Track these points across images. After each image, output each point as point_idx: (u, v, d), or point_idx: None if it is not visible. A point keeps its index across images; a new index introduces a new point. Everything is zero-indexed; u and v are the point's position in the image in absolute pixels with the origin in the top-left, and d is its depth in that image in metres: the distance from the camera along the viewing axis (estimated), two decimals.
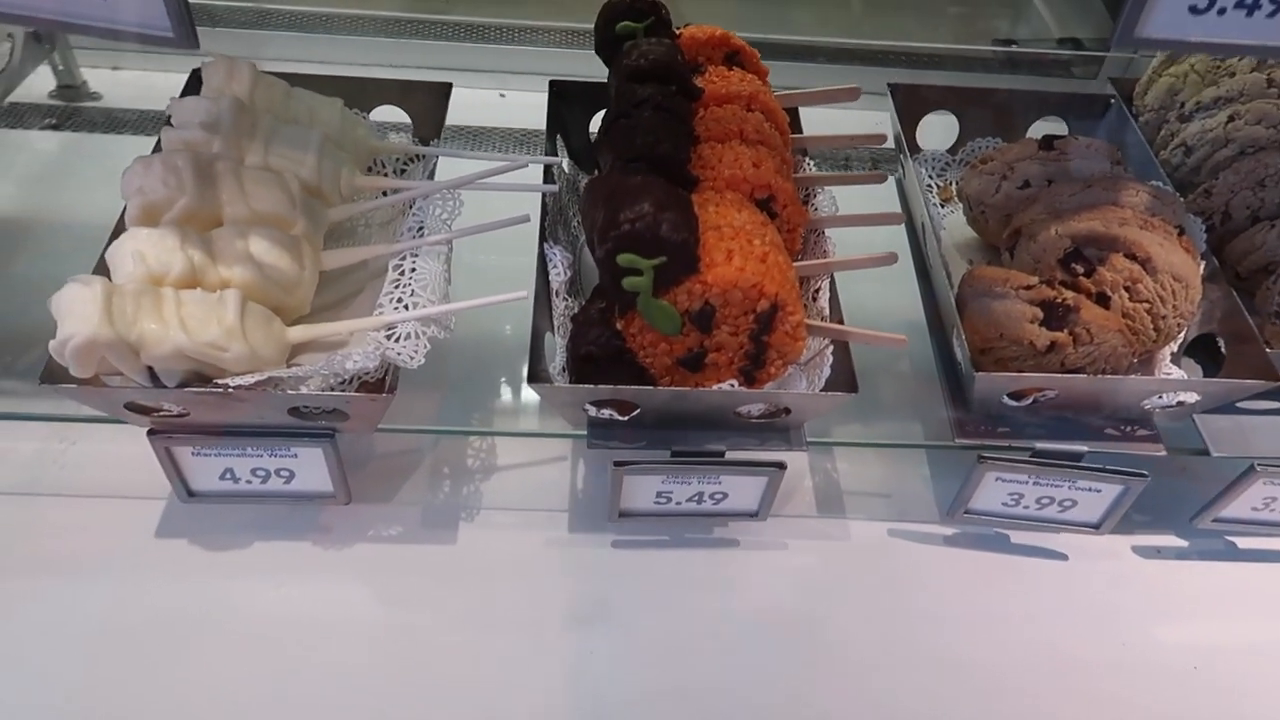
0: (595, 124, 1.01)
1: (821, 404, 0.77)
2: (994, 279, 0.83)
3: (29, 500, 0.88)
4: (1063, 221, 0.85)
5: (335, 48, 1.33)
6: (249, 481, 0.81)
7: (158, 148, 0.84)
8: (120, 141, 1.23)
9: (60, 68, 1.26)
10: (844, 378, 0.77)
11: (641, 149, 0.77)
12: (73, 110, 1.26)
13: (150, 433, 0.76)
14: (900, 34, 1.44)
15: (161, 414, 0.74)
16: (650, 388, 0.74)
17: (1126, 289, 0.81)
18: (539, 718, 0.77)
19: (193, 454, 0.78)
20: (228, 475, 0.81)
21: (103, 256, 0.75)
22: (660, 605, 0.86)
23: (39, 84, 1.26)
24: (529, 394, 0.96)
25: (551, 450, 0.96)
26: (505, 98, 1.35)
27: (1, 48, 1.01)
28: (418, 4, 1.43)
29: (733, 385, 0.75)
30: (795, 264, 0.79)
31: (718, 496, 0.84)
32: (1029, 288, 0.81)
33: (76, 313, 0.63)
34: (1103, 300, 0.82)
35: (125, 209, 0.81)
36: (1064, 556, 0.92)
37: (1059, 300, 0.79)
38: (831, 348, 0.78)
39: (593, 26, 0.92)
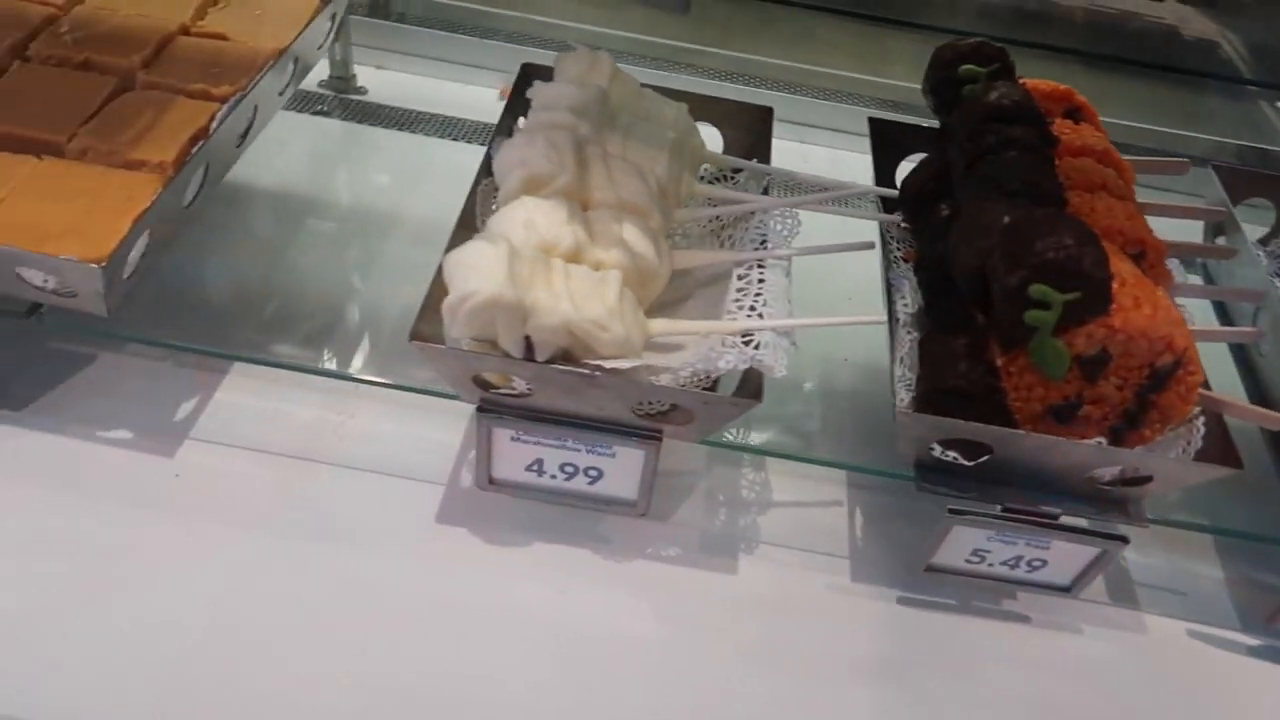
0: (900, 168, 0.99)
1: (1192, 474, 0.72)
2: None
3: (308, 465, 0.86)
4: None
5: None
6: (554, 476, 0.78)
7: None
8: (386, 135, 1.25)
9: (338, 59, 1.28)
10: (1218, 449, 0.71)
11: (1024, 185, 0.74)
12: (340, 100, 1.29)
13: (479, 409, 0.73)
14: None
15: (500, 391, 0.72)
16: (1023, 433, 0.69)
17: None
18: None
19: (510, 438, 0.75)
20: (535, 466, 0.78)
21: (461, 218, 0.74)
22: (951, 672, 0.80)
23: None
24: (821, 421, 0.93)
25: (828, 492, 0.92)
26: None
27: (323, 25, 1.03)
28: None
29: (1101, 442, 0.70)
30: None
31: (1036, 563, 0.79)
32: None
33: (482, 270, 0.62)
34: None
35: (475, 183, 0.81)
36: None
37: None
38: (1203, 416, 0.73)
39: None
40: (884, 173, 0.97)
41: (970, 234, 0.70)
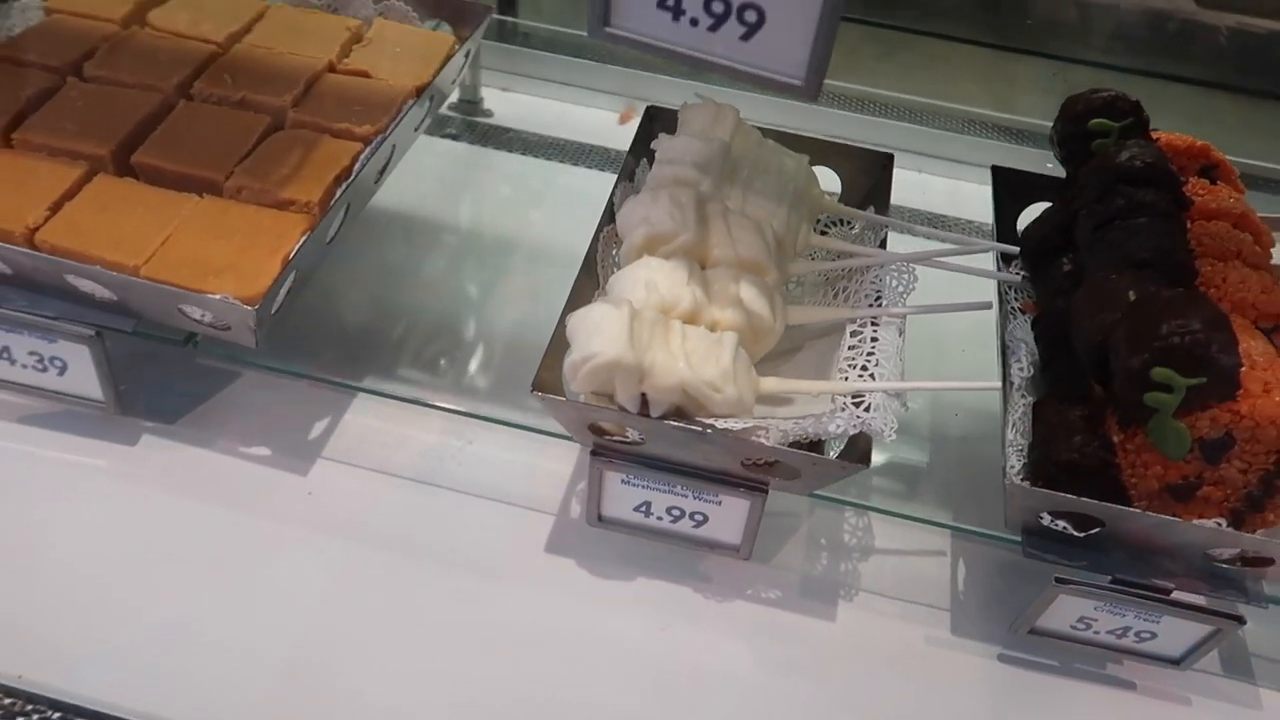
0: (1022, 217, 0.98)
1: None
2: None
3: (429, 489, 0.90)
4: None
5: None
6: (660, 518, 0.81)
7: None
8: (510, 159, 1.29)
9: (467, 84, 1.33)
10: None
11: (1154, 256, 0.72)
12: (468, 124, 1.34)
13: (593, 453, 0.76)
14: None
15: (614, 438, 0.75)
16: (1137, 511, 0.69)
17: None
18: None
19: (621, 481, 0.78)
20: (643, 508, 0.80)
21: (578, 275, 0.77)
22: None
23: None
24: (929, 473, 0.93)
25: (931, 542, 0.92)
26: None
27: (458, 61, 1.07)
28: None
29: (1220, 524, 0.69)
30: None
31: (1145, 635, 0.78)
32: None
33: (606, 332, 0.64)
34: None
35: (597, 230, 0.84)
36: None
37: None
38: None
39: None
40: (1005, 220, 0.96)
41: (1094, 306, 0.70)
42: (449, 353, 1.01)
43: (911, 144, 1.31)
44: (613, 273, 0.79)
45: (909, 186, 1.27)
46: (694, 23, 0.56)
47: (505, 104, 1.38)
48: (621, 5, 0.57)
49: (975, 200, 1.24)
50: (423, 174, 1.21)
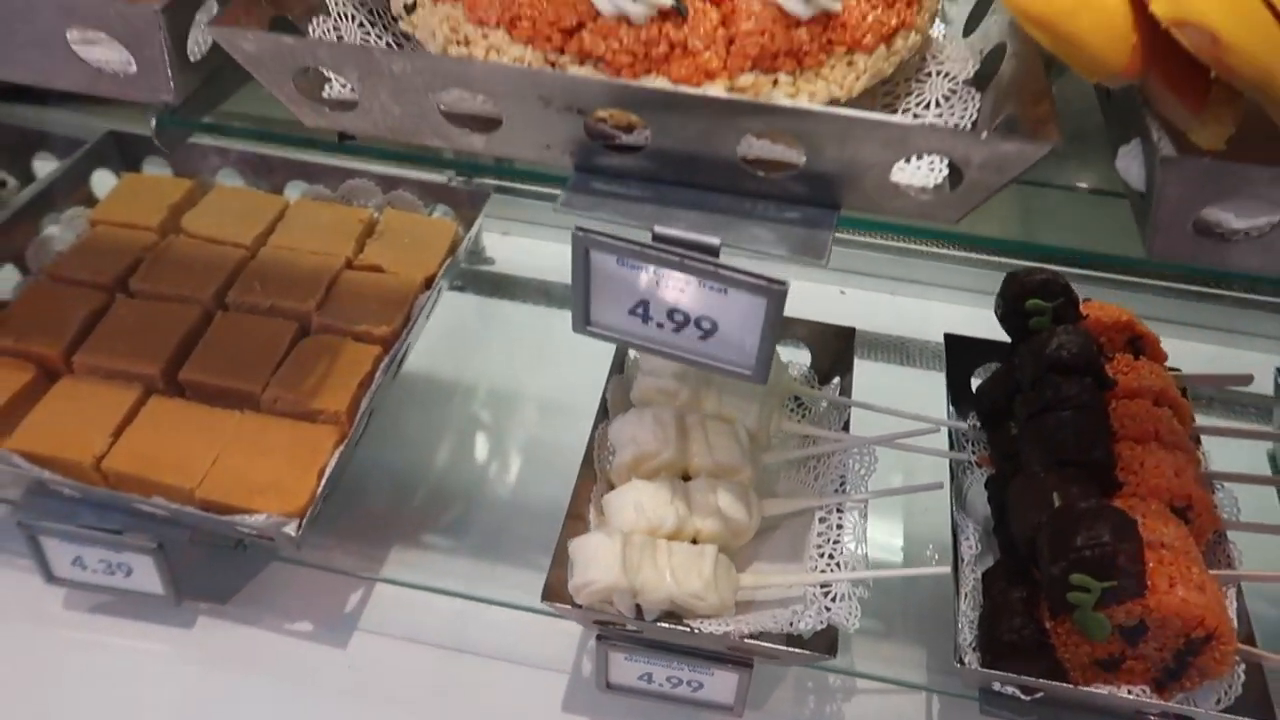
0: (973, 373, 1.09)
1: None
2: None
3: (456, 655, 1.01)
4: None
5: None
6: (661, 685, 0.92)
7: None
8: (514, 309, 1.40)
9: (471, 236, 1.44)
10: (1254, 699, 0.79)
11: (1075, 454, 0.83)
12: (473, 273, 1.45)
13: (598, 638, 0.87)
14: None
15: (617, 626, 0.86)
16: (1067, 686, 0.79)
17: None
18: None
19: (624, 658, 0.89)
20: (645, 677, 0.91)
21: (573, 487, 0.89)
22: None
23: None
24: (899, 629, 1.03)
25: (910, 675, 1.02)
26: (845, 294, 1.45)
27: (461, 247, 1.18)
28: None
29: (1144, 691, 0.79)
30: (1213, 572, 0.83)
31: None
32: None
33: (600, 561, 0.76)
34: None
35: (594, 427, 0.95)
36: None
37: None
38: (1244, 665, 0.81)
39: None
40: (959, 381, 1.07)
41: (1025, 505, 0.81)
42: (464, 529, 1.10)
43: (879, 269, 1.41)
44: (609, 465, 0.90)
45: (880, 308, 1.39)
46: (660, 326, 0.67)
47: (507, 248, 1.48)
48: (599, 311, 0.68)
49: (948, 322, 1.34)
50: (430, 332, 1.32)
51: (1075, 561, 0.74)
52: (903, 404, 1.00)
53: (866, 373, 1.09)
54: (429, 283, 1.13)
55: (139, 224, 1.16)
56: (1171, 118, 0.61)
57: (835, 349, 1.07)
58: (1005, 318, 1.01)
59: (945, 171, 0.63)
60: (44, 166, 1.28)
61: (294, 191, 1.27)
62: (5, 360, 1.00)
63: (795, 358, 1.10)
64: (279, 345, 1.04)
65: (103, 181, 1.25)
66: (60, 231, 1.18)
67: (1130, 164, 0.63)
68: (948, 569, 0.84)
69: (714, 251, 0.62)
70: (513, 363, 1.32)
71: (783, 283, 0.61)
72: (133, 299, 1.08)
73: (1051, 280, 0.99)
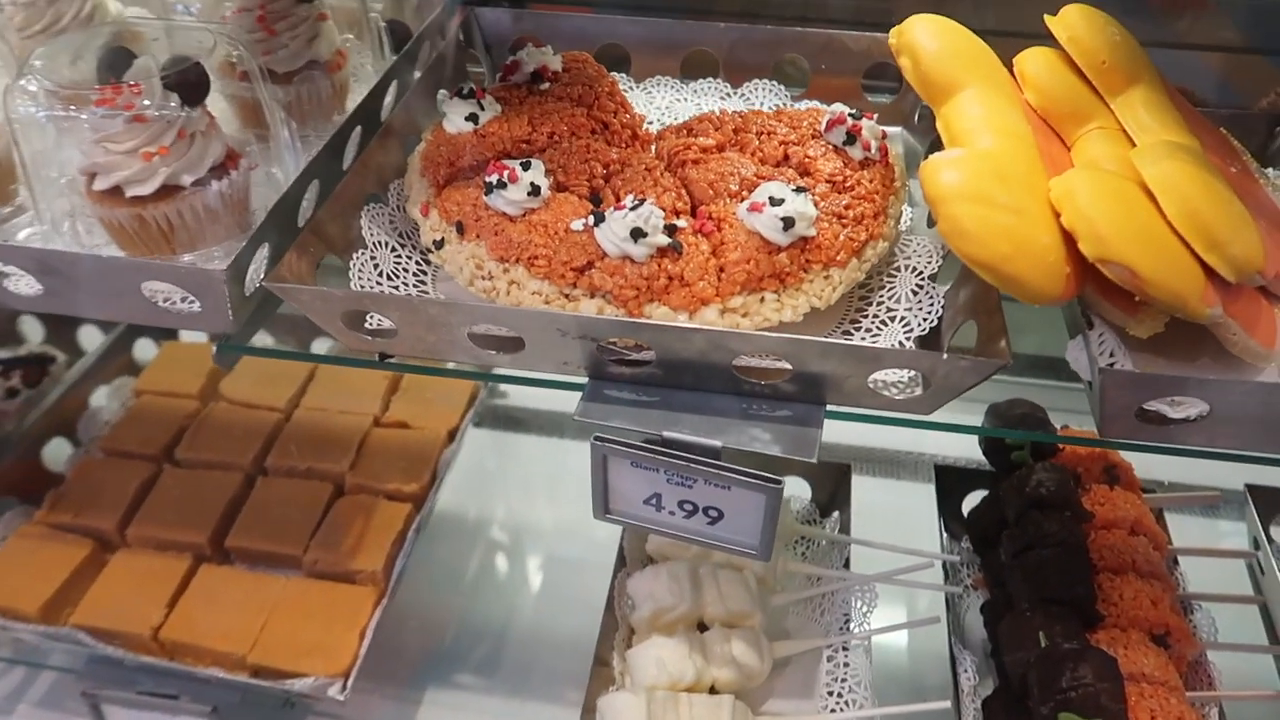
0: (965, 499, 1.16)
1: None
2: None
3: None
4: None
5: None
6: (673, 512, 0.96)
7: None
8: (528, 442, 1.48)
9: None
10: None
11: (1058, 591, 0.90)
12: (489, 407, 1.53)
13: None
14: None
15: None
16: None
17: None
18: None
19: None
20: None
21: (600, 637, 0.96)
22: None
23: None
24: None
25: None
26: None
27: (480, 397, 1.27)
28: None
29: None
30: (1188, 693, 0.89)
31: None
32: None
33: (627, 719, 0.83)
34: None
35: (613, 576, 1.02)
36: None
37: None
38: None
39: None
40: (950, 508, 1.14)
41: (1014, 643, 0.88)
42: (494, 668, 1.15)
43: None
44: (629, 612, 0.98)
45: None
46: (671, 514, 0.75)
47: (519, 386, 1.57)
48: (616, 501, 0.76)
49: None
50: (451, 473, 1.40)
51: (1062, 702, 0.80)
52: (899, 519, 1.07)
53: (863, 488, 1.16)
54: (451, 436, 1.21)
55: (180, 392, 1.25)
56: (1109, 318, 0.70)
57: (834, 479, 1.14)
58: (989, 452, 1.09)
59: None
60: (89, 336, 1.37)
61: (320, 346, 1.36)
62: (64, 535, 1.08)
63: (797, 491, 1.17)
64: (316, 507, 1.12)
65: (144, 350, 1.34)
66: (107, 402, 1.27)
67: (1079, 356, 0.71)
68: (948, 703, 0.90)
69: (716, 454, 0.70)
70: (530, 496, 1.40)
71: (779, 481, 0.70)
72: (179, 468, 1.16)
73: (1029, 415, 1.06)
